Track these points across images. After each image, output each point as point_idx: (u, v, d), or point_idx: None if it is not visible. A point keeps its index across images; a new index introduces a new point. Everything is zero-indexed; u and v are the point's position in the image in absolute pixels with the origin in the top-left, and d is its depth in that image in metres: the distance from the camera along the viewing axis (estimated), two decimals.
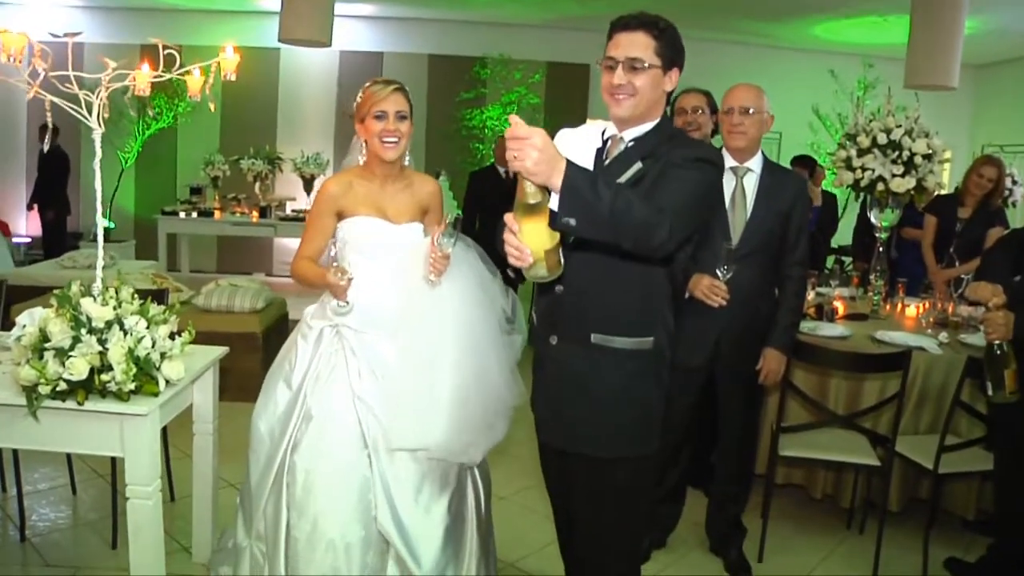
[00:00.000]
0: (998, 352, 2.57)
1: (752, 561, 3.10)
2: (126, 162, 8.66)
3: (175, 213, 8.02)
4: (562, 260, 1.71)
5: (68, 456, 3.38)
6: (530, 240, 1.66)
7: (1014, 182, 6.42)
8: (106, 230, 8.65)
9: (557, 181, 1.55)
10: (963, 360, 3.24)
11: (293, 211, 8.50)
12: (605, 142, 2.00)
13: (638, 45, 1.87)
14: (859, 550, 3.26)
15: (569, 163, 1.56)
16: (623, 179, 1.88)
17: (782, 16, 7.98)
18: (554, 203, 1.60)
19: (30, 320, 2.59)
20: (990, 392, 2.60)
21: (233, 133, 8.76)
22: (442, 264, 2.15)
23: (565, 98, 9.26)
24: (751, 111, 2.82)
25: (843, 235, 7.05)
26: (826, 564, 3.18)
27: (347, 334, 2.33)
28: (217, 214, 8.14)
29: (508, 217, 1.65)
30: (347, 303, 2.30)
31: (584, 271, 1.91)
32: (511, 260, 1.70)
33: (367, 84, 2.37)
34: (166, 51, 2.06)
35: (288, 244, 9.27)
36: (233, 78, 2.23)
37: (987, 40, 7.84)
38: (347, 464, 2.23)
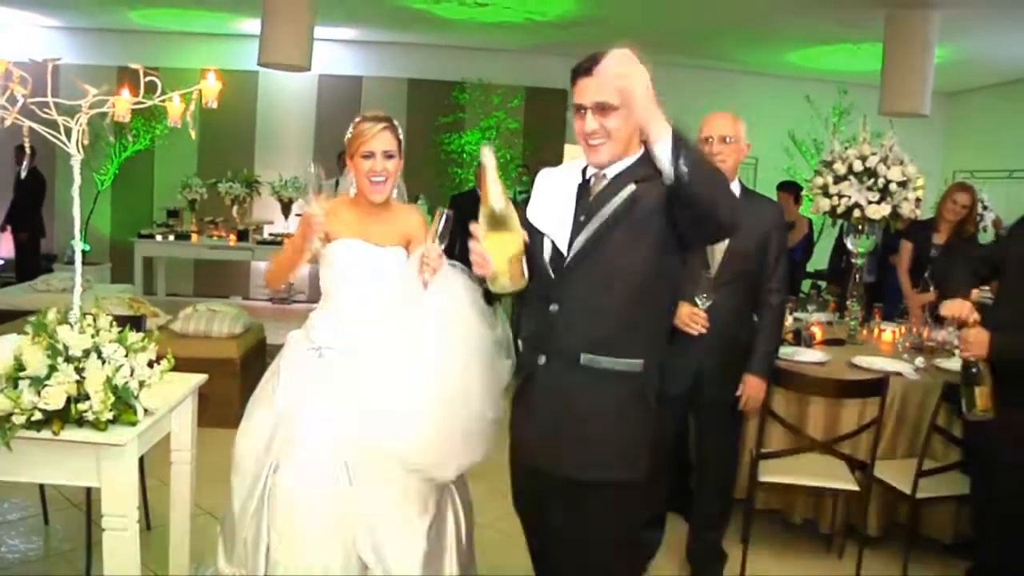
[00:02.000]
0: (973, 371, 2.60)
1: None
2: (102, 184, 8.59)
3: (152, 236, 7.96)
4: (525, 272, 1.81)
5: (41, 486, 3.32)
6: (493, 249, 1.75)
7: (984, 207, 6.55)
8: (82, 252, 8.64)
9: (660, 123, 1.62)
10: (939, 385, 3.29)
11: (271, 235, 8.46)
12: (588, 180, 1.99)
13: (602, 88, 1.83)
14: (839, 574, 3.27)
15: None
16: (615, 202, 1.89)
17: (758, 43, 8.11)
18: (663, 152, 1.64)
19: (2, 347, 2.57)
20: (964, 410, 2.63)
21: (211, 156, 8.72)
22: (435, 263, 2.14)
23: (544, 123, 9.32)
24: (728, 139, 2.85)
25: (818, 259, 7.13)
26: None
27: (330, 356, 2.32)
28: (194, 237, 8.09)
29: (473, 226, 1.73)
30: (319, 240, 2.28)
31: (582, 289, 1.91)
32: (475, 269, 1.81)
33: (357, 120, 2.38)
34: (147, 78, 2.05)
35: (266, 267, 9.21)
36: (215, 105, 2.23)
37: (957, 68, 8.01)
38: (328, 487, 2.21)
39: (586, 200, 1.96)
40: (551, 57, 9.15)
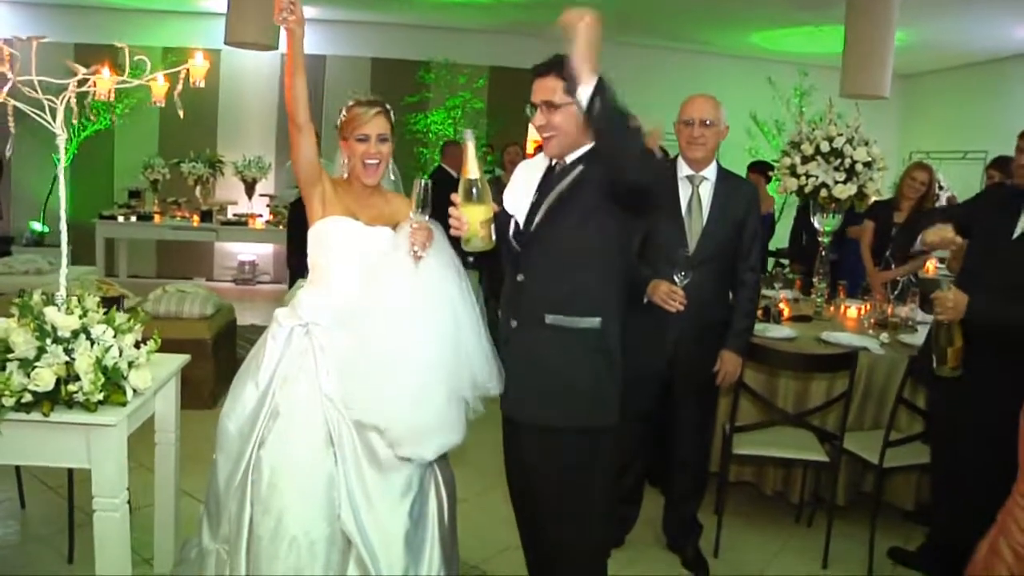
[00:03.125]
0: (944, 330, 2.71)
1: (708, 557, 3.20)
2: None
3: (113, 217, 7.81)
4: (493, 236, 2.12)
5: (17, 469, 3.28)
6: (469, 214, 2.08)
7: (941, 187, 6.74)
8: (40, 234, 8.47)
9: (589, 70, 1.87)
10: (904, 359, 3.42)
11: (235, 215, 8.37)
12: (553, 168, 2.27)
13: (548, 88, 2.13)
14: (809, 543, 3.40)
15: None
16: (564, 183, 2.19)
17: (721, 24, 8.20)
18: (584, 94, 1.89)
19: None
20: (935, 366, 2.76)
21: (172, 136, 8.56)
22: (422, 235, 2.18)
23: (508, 103, 9.30)
24: (709, 122, 2.92)
25: (778, 238, 7.28)
26: (779, 558, 3.31)
27: (316, 332, 2.34)
28: (157, 218, 7.97)
29: (453, 195, 2.08)
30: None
31: (541, 260, 2.21)
32: (452, 231, 2.12)
33: (351, 103, 2.39)
34: (136, 57, 2.03)
35: (229, 248, 9.13)
36: (202, 85, 2.22)
37: (914, 52, 8.20)
38: (313, 461, 2.23)
39: (544, 184, 2.26)
40: (515, 37, 9.15)
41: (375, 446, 2.26)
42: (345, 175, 2.44)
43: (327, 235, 2.36)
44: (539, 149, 2.36)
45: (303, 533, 2.22)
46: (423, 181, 2.18)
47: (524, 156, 6.63)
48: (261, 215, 8.25)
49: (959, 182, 7.96)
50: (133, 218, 7.87)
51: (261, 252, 9.29)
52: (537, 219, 2.23)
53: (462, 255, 2.27)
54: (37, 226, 8.51)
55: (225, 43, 5.74)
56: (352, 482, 2.26)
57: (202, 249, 9.02)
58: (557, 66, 2.10)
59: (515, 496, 2.47)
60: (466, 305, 2.24)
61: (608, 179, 2.07)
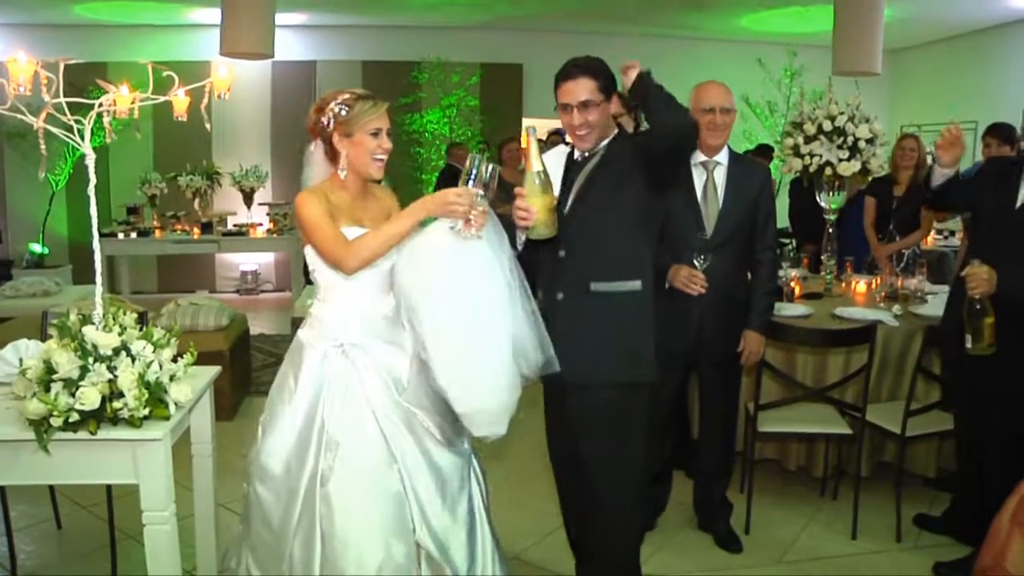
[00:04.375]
0: (978, 307, 2.72)
1: (740, 533, 3.25)
2: (57, 185, 8.38)
3: (113, 235, 7.79)
4: (556, 221, 2.25)
5: (51, 489, 3.31)
6: (536, 204, 2.20)
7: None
8: (41, 256, 8.46)
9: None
10: (917, 330, 3.48)
11: (235, 226, 8.37)
12: (574, 156, 2.50)
13: (585, 89, 2.35)
14: (836, 515, 3.46)
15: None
16: (593, 162, 2.44)
17: (709, 9, 8.22)
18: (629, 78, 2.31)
19: (15, 353, 2.57)
20: (969, 345, 2.76)
21: (166, 150, 8.55)
22: (483, 219, 2.12)
23: (501, 98, 9.33)
24: (728, 109, 3.00)
25: (779, 218, 7.31)
26: (809, 530, 3.36)
27: (352, 352, 2.27)
28: (157, 233, 7.95)
29: (518, 189, 2.21)
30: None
31: (580, 235, 2.40)
32: (519, 222, 2.23)
33: (350, 96, 2.27)
34: (165, 73, 2.06)
35: (231, 259, 9.14)
36: (227, 97, 2.24)
37: (901, 26, 8.23)
38: (382, 485, 2.20)
39: (570, 172, 2.48)
40: (505, 32, 9.20)
41: (430, 449, 2.27)
42: (343, 175, 2.29)
43: None
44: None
45: (387, 558, 2.18)
46: (490, 166, 2.14)
47: (520, 152, 6.69)
48: (261, 224, 8.26)
49: None
50: (133, 234, 7.86)
51: (263, 261, 9.30)
52: (572, 197, 2.44)
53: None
54: (37, 248, 8.50)
55: (221, 54, 5.74)
56: (420, 495, 2.23)
57: (203, 261, 9.02)
58: (590, 68, 2.35)
59: (558, 466, 2.66)
60: (517, 280, 2.22)
61: (641, 150, 2.36)
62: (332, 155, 2.31)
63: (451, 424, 2.32)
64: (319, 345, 2.31)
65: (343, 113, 2.25)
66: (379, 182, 2.42)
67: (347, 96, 2.28)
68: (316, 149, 2.35)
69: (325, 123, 2.27)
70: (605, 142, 2.45)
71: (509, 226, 2.28)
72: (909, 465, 3.65)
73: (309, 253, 2.32)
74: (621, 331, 2.42)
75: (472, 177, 2.11)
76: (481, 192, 2.10)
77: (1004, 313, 2.72)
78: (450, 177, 7.00)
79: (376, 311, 2.34)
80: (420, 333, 2.21)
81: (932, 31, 9.06)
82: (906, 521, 3.31)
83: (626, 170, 2.38)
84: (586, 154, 2.47)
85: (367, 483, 2.20)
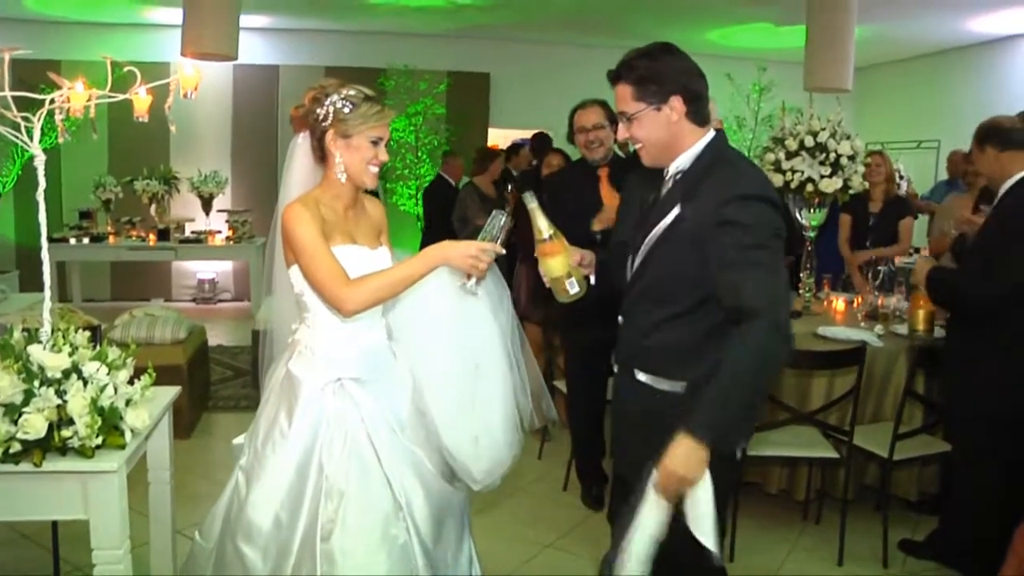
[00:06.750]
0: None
1: (723, 562, 3.13)
2: (4, 187, 8.02)
3: (64, 240, 7.47)
4: (577, 285, 2.02)
5: None
6: (553, 267, 2.00)
7: (901, 177, 6.84)
8: None
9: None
10: (900, 351, 3.41)
11: (193, 232, 8.09)
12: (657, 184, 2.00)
13: (620, 98, 1.92)
14: (820, 539, 3.38)
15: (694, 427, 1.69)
16: (660, 226, 1.88)
17: (677, 22, 8.19)
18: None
19: None
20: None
21: (122, 153, 8.24)
22: (486, 267, 1.98)
23: (468, 107, 9.20)
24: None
25: None
26: (794, 556, 3.27)
27: (351, 388, 2.06)
28: (111, 239, 7.65)
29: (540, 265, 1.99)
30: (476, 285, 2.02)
31: (634, 305, 1.96)
32: (561, 297, 2.01)
33: (356, 94, 2.04)
34: (126, 68, 1.88)
35: (188, 267, 8.84)
36: (194, 97, 2.06)
37: (867, 44, 8.29)
38: (390, 535, 2.00)
39: (647, 206, 1.99)
40: (473, 40, 9.07)
41: (433, 488, 2.11)
42: (343, 179, 2.07)
43: None
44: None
45: None
46: (503, 215, 2.00)
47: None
48: (220, 231, 7.99)
49: (914, 170, 8.11)
50: (86, 240, 7.54)
51: (221, 269, 9.01)
52: (638, 259, 1.95)
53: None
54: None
55: (182, 54, 5.50)
56: (427, 542, 2.06)
57: (159, 269, 8.72)
58: (622, 72, 1.91)
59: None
60: (515, 335, 2.14)
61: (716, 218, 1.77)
62: (320, 154, 2.08)
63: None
64: (314, 379, 2.07)
65: (345, 111, 2.01)
66: (375, 193, 2.26)
67: (353, 92, 2.04)
68: (304, 142, 2.11)
69: (321, 116, 2.03)
70: (690, 159, 1.94)
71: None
72: (891, 488, 3.58)
73: (296, 275, 2.05)
74: (652, 437, 1.87)
75: (494, 236, 1.97)
76: (497, 249, 1.99)
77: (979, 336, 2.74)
78: (440, 188, 6.90)
79: (372, 340, 2.14)
80: (417, 378, 2.10)
81: (897, 50, 9.17)
82: (890, 546, 3.23)
83: (691, 242, 1.83)
84: (666, 181, 1.98)
85: (374, 537, 1.98)
